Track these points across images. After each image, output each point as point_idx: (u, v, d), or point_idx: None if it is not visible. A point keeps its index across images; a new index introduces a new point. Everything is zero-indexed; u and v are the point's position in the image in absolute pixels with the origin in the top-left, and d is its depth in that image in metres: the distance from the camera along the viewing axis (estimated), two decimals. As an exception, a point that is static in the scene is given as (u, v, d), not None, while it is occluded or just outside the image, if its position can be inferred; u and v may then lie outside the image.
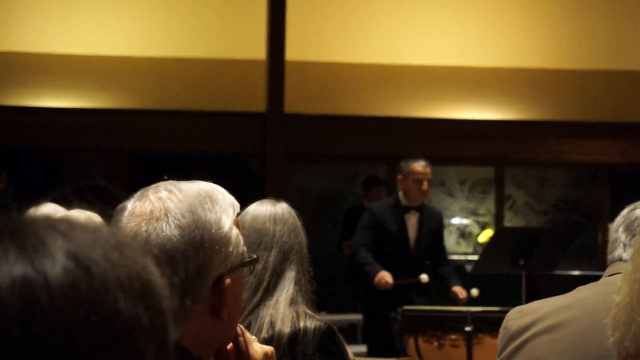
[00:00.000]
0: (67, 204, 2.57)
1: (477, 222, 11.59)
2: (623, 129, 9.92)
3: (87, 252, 0.79)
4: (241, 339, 1.71)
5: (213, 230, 1.58)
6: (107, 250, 0.80)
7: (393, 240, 6.61)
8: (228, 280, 1.58)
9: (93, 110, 9.60)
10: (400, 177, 6.64)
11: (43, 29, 9.69)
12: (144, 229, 1.57)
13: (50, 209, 2.90)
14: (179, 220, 1.57)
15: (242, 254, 1.64)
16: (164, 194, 1.60)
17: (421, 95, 10.03)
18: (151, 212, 1.58)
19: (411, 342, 5.80)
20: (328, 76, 9.96)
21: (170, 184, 1.63)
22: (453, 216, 11.59)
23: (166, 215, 1.57)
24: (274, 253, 2.72)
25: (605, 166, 10.30)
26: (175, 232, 1.56)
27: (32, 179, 10.51)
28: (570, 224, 11.38)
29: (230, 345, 1.69)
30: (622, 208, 2.37)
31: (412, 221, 6.66)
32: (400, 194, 6.68)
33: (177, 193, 1.60)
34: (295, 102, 9.49)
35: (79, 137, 9.55)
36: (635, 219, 2.31)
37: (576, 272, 8.21)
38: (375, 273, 6.38)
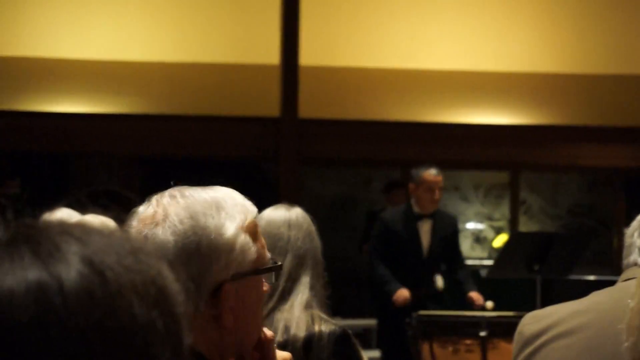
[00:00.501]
0: (82, 209, 2.58)
1: (492, 227, 11.56)
2: (638, 134, 9.88)
3: (102, 257, 0.79)
4: (268, 345, 1.69)
5: (212, 237, 1.56)
6: (121, 255, 0.81)
7: (406, 248, 6.60)
8: (228, 288, 1.56)
9: (106, 115, 9.63)
10: (412, 185, 6.62)
11: (55, 34, 9.72)
12: (143, 233, 1.57)
13: (64, 214, 2.91)
14: (176, 226, 1.56)
15: (256, 260, 1.61)
16: (166, 199, 1.60)
17: (435, 100, 10.02)
18: (152, 217, 1.58)
19: (426, 347, 5.79)
20: (342, 81, 9.96)
21: (177, 190, 1.63)
22: (468, 221, 11.56)
23: (164, 220, 1.57)
24: (288, 258, 2.72)
25: (620, 171, 10.26)
26: (170, 238, 1.55)
27: (45, 184, 10.55)
28: (585, 229, 11.33)
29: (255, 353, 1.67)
30: (637, 213, 2.36)
31: (425, 228, 6.63)
32: (413, 201, 6.66)
33: (180, 199, 1.59)
34: (309, 107, 9.50)
35: (92, 142, 9.57)
36: (651, 223, 2.30)
37: (591, 277, 8.18)
38: (394, 292, 6.37)
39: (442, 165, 6.72)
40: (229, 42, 9.92)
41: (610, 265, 9.79)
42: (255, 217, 1.66)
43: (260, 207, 2.74)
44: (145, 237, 1.56)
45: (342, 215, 11.59)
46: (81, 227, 0.83)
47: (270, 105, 9.55)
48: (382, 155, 9.83)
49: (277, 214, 2.80)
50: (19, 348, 0.73)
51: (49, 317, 0.74)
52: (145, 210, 1.60)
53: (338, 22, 10.01)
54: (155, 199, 1.61)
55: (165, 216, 1.58)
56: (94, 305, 0.76)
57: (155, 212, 1.59)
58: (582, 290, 2.58)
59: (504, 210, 11.21)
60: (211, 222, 1.57)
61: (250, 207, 1.65)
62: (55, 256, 0.77)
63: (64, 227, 0.81)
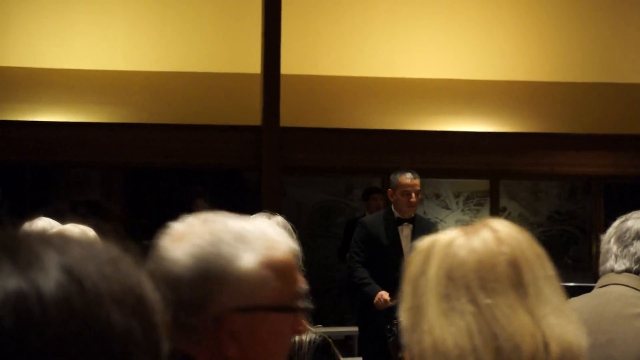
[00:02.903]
0: (61, 218, 2.58)
1: (473, 234, 11.58)
2: (616, 141, 9.94)
3: (80, 267, 0.79)
4: None
5: (223, 265, 1.55)
6: (100, 264, 0.81)
7: (387, 253, 6.61)
8: (233, 317, 1.54)
9: (88, 124, 9.60)
10: (390, 190, 6.68)
11: (38, 43, 9.70)
12: (165, 248, 1.58)
13: (46, 224, 2.91)
14: (193, 248, 1.56)
15: (273, 297, 1.58)
16: (197, 221, 1.60)
17: (416, 108, 10.05)
18: (177, 235, 1.59)
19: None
20: (323, 89, 9.97)
21: (212, 214, 1.62)
22: (448, 228, 11.58)
23: (186, 240, 1.57)
24: (268, 266, 2.72)
25: (598, 178, 10.31)
26: (184, 258, 1.55)
27: (27, 193, 10.50)
28: (565, 236, 11.38)
29: None
30: (616, 219, 2.38)
31: (405, 233, 6.66)
32: (392, 206, 6.70)
33: (209, 223, 1.59)
34: (290, 116, 9.50)
35: (75, 151, 9.54)
36: (627, 230, 2.32)
37: (571, 284, 8.22)
38: (374, 294, 6.38)
39: (422, 173, 6.75)
40: (211, 51, 9.91)
41: (590, 272, 9.84)
42: (290, 256, 1.62)
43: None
44: (164, 250, 1.56)
45: (324, 223, 11.60)
46: (60, 236, 0.83)
47: (252, 114, 9.55)
48: (363, 163, 9.85)
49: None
50: (-2, 357, 0.73)
51: (28, 326, 0.74)
52: (176, 227, 1.61)
53: (319, 31, 10.02)
54: (188, 218, 1.62)
55: (189, 237, 1.57)
56: (72, 315, 0.76)
57: (182, 231, 1.59)
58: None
59: (484, 217, 11.25)
60: (226, 251, 1.56)
61: (283, 245, 1.62)
62: (34, 265, 0.77)
63: (43, 237, 0.82)
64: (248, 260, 1.56)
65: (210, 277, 1.54)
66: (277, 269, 1.58)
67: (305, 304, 1.65)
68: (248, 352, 1.55)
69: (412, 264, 1.45)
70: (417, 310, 1.38)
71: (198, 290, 1.53)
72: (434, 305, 1.36)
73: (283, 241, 1.62)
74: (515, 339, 1.31)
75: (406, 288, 1.43)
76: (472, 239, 1.43)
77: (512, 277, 1.36)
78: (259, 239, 1.59)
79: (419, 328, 1.37)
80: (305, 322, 1.65)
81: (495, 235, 1.43)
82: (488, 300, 1.33)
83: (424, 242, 1.49)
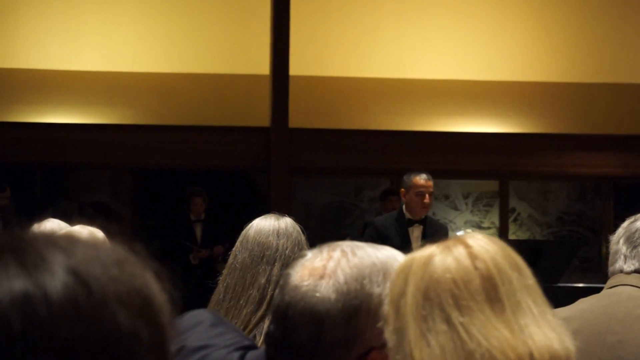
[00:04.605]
0: (68, 220, 2.58)
1: (482, 235, 11.57)
2: (626, 142, 9.92)
3: (87, 268, 0.79)
4: None
5: (373, 305, 1.52)
6: (107, 265, 0.81)
7: (397, 254, 6.62)
8: (376, 355, 1.51)
9: (97, 125, 9.62)
10: (403, 190, 6.67)
11: (47, 45, 9.72)
12: (305, 283, 1.54)
13: (54, 225, 2.92)
14: (340, 284, 1.52)
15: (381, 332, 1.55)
16: (336, 254, 1.57)
17: (425, 109, 10.04)
18: (317, 269, 1.55)
19: None
20: (332, 91, 9.98)
21: (350, 245, 1.60)
22: (458, 229, 11.57)
23: (330, 276, 1.54)
24: (277, 267, 2.73)
25: (608, 179, 10.30)
26: (332, 295, 1.52)
27: (36, 195, 10.53)
28: (574, 237, 11.36)
29: None
30: (625, 220, 2.38)
31: (415, 234, 6.66)
32: (404, 207, 6.70)
33: (351, 257, 1.56)
34: (299, 117, 9.51)
35: (84, 152, 9.56)
36: (636, 230, 2.32)
37: (580, 285, 8.20)
38: None
39: (431, 174, 6.75)
40: (219, 53, 9.93)
41: (599, 272, 9.82)
42: None
43: (251, 216, 2.75)
44: (306, 287, 1.53)
45: (333, 225, 11.60)
46: (67, 238, 0.83)
47: (260, 115, 9.56)
48: (372, 164, 9.85)
49: (266, 223, 2.81)
50: (2, 359, 0.73)
51: (35, 327, 0.74)
52: (313, 259, 1.58)
53: (328, 33, 10.03)
54: (326, 250, 1.59)
55: (332, 272, 1.54)
56: (78, 316, 0.76)
57: (324, 265, 1.56)
58: (571, 297, 2.60)
59: (494, 218, 11.23)
60: (376, 290, 1.53)
61: None
62: (40, 267, 0.77)
63: (50, 238, 0.82)
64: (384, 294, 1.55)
65: (361, 316, 1.51)
66: None
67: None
68: None
69: (393, 285, 1.44)
70: (400, 332, 1.40)
71: (349, 329, 1.50)
72: (413, 326, 1.38)
73: None
74: (494, 355, 1.32)
75: (389, 309, 1.43)
76: (446, 256, 1.42)
77: (487, 293, 1.37)
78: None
79: (401, 350, 1.38)
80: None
81: (468, 251, 1.41)
82: (462, 319, 1.35)
83: (403, 261, 1.46)
